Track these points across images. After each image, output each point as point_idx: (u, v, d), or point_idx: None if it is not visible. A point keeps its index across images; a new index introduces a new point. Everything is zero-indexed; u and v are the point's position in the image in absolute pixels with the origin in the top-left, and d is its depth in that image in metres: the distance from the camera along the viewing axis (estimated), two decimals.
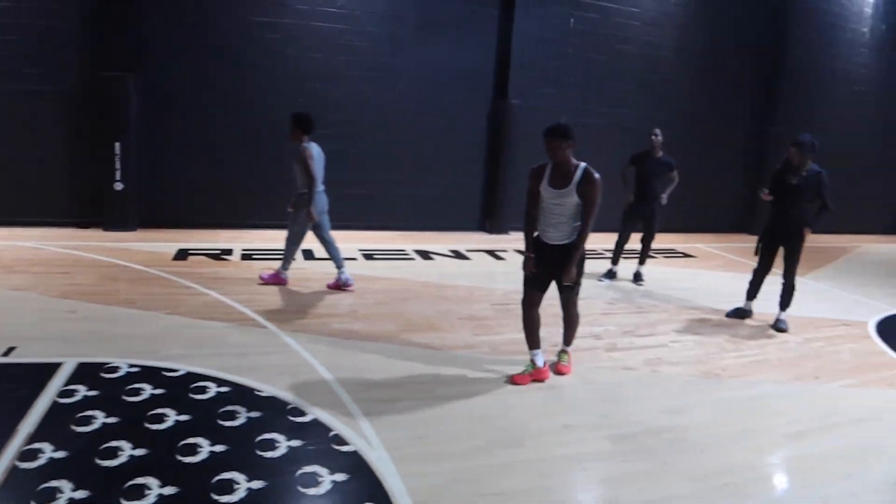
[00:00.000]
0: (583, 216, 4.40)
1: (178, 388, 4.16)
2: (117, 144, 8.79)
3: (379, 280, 7.20)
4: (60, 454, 3.25)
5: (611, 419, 4.10)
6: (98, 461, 3.25)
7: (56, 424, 3.56)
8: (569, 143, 4.31)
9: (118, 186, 8.90)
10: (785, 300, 6.46)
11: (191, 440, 3.52)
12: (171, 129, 9.13)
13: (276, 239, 9.03)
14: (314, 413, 3.90)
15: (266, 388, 4.20)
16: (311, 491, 3.12)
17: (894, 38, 14.22)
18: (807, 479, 3.62)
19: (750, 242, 11.83)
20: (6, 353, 4.49)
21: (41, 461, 3.19)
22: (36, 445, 3.30)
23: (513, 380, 4.56)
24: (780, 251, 6.41)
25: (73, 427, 3.54)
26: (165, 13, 8.82)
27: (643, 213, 7.80)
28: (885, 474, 3.78)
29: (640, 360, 5.21)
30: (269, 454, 3.43)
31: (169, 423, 3.71)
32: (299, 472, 3.27)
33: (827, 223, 13.98)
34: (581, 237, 4.39)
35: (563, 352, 4.88)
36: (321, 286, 6.76)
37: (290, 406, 3.98)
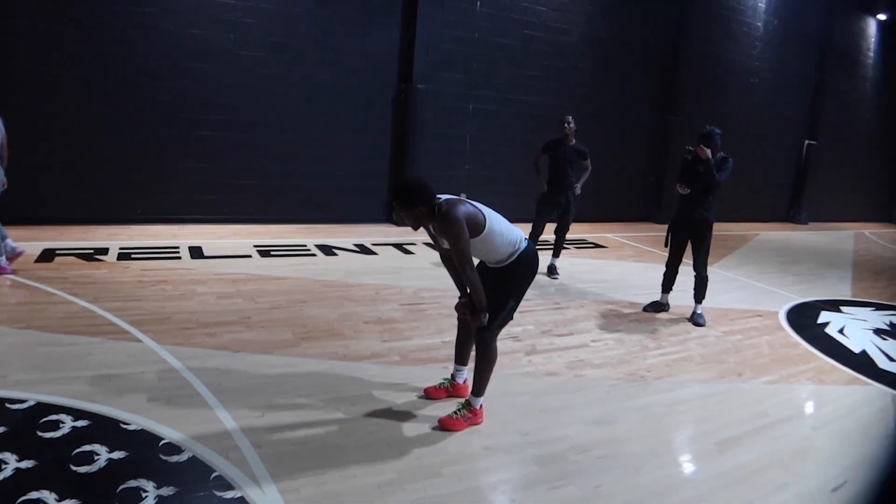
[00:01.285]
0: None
1: (24, 425, 3.41)
2: None
3: (276, 280, 6.53)
4: None
5: (535, 436, 3.69)
6: None
7: None
8: (417, 209, 3.35)
9: None
10: (699, 293, 6.34)
11: (33, 495, 2.82)
12: (32, 114, 7.99)
13: (159, 235, 8.18)
14: (193, 449, 3.26)
15: (134, 420, 3.52)
16: None
17: (784, 33, 14.79)
18: (745, 493, 3.35)
19: (657, 231, 12.05)
20: None
21: None
22: None
23: (427, 393, 4.07)
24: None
25: None
26: None
27: (557, 203, 7.51)
28: (819, 479, 3.60)
29: (561, 364, 4.86)
30: None
31: (6, 472, 2.99)
32: None
33: (725, 212, 14.37)
34: (471, 290, 3.51)
35: (464, 402, 3.77)
36: (212, 290, 6.03)
37: (163, 442, 3.32)
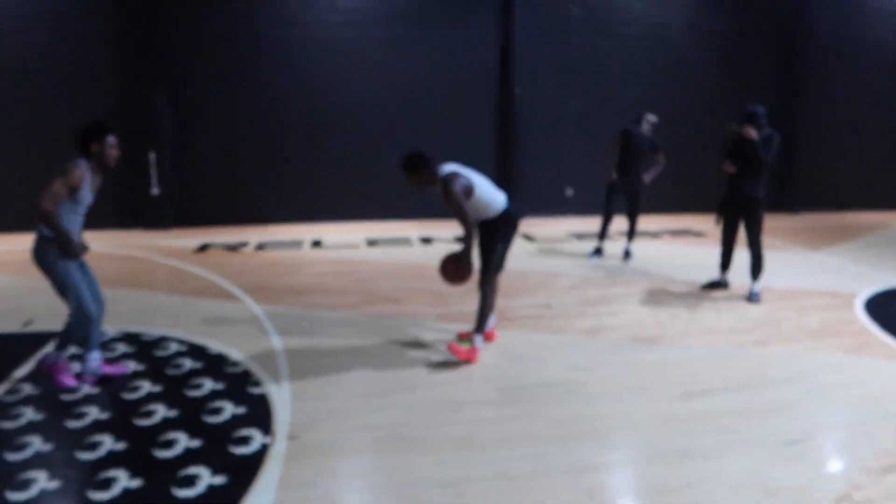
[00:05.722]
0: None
1: (147, 349, 4.86)
2: (152, 154, 9.81)
3: (367, 263, 7.78)
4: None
5: (511, 373, 4.43)
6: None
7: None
8: (417, 173, 4.52)
9: (154, 191, 9.91)
10: (755, 271, 6.41)
11: (141, 383, 4.19)
12: (199, 138, 10.21)
13: (293, 232, 9.81)
14: (246, 365, 4.48)
15: (216, 347, 4.83)
16: (212, 419, 3.70)
17: None
18: (680, 431, 3.56)
19: (781, 221, 11.50)
20: (25, 325, 5.35)
21: None
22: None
23: (459, 337, 5.02)
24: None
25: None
26: (183, 34, 9.93)
27: (626, 190, 8.01)
28: (778, 431, 3.58)
29: (579, 328, 5.41)
30: (192, 393, 4.05)
31: (129, 370, 4.40)
32: (210, 406, 3.85)
33: (862, 197, 12.81)
34: (464, 235, 4.50)
35: (465, 336, 4.94)
36: (314, 270, 7.39)
37: (231, 360, 4.58)
